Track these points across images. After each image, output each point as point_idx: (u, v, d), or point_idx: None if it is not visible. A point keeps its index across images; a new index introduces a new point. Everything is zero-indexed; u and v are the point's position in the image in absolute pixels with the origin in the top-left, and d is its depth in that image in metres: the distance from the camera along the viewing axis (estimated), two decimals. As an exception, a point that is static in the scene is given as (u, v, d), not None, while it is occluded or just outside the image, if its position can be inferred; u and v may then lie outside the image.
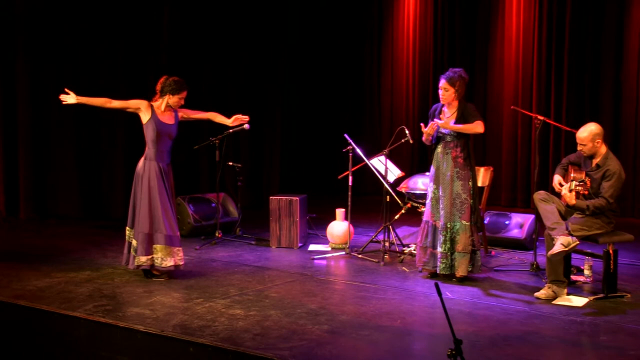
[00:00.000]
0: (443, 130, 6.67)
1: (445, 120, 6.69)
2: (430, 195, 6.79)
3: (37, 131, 9.92)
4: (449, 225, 6.60)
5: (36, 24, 9.74)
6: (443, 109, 6.78)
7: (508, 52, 11.41)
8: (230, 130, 8.39)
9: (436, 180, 6.73)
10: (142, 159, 6.65)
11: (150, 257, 6.53)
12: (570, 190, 6.10)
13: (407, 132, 7.67)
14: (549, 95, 11.06)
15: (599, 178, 6.17)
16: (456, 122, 6.62)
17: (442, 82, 6.64)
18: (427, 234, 6.76)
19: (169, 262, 6.59)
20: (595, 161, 6.26)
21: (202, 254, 7.86)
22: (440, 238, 6.62)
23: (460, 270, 6.59)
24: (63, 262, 7.34)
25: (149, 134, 6.62)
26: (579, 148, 6.31)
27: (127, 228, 6.67)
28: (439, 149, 6.75)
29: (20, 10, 9.67)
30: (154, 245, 6.55)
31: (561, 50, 10.90)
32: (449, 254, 6.61)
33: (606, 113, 10.61)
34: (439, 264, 6.65)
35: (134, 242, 6.55)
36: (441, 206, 6.66)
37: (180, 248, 6.71)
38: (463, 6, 11.91)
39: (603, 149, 6.25)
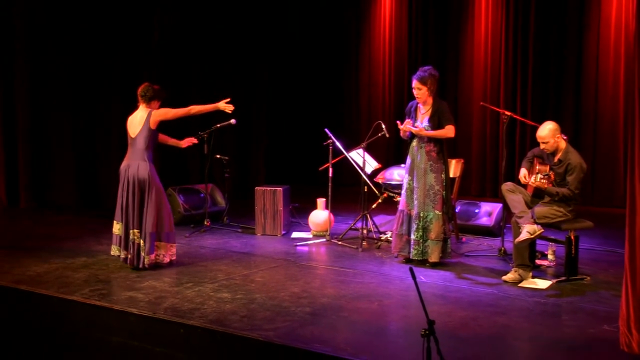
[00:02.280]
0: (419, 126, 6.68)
1: (420, 116, 6.71)
2: (405, 185, 6.80)
3: (36, 124, 9.86)
4: (422, 215, 6.61)
5: (35, 21, 9.66)
6: (418, 105, 6.78)
7: (477, 52, 11.44)
8: (218, 125, 8.38)
9: (411, 172, 6.74)
10: (146, 163, 6.39)
11: (155, 254, 6.48)
12: (536, 182, 6.13)
13: (383, 126, 7.67)
14: (515, 93, 11.11)
15: (562, 172, 6.21)
16: (430, 118, 6.63)
17: (414, 82, 6.63)
18: (402, 222, 6.77)
19: (166, 259, 6.60)
20: (557, 157, 6.29)
21: (191, 241, 7.84)
22: (414, 226, 6.64)
23: (433, 257, 6.61)
24: (61, 249, 7.30)
25: (155, 140, 6.56)
26: (541, 147, 6.32)
27: (134, 230, 6.41)
28: (414, 143, 6.75)
29: (20, 9, 9.59)
30: (157, 243, 6.49)
31: (526, 51, 10.95)
32: (421, 241, 6.62)
33: (568, 109, 10.69)
34: (411, 250, 6.66)
35: (142, 242, 6.40)
36: (415, 196, 6.67)
37: (175, 244, 6.71)
38: (436, 8, 11.91)
39: (563, 144, 6.29)
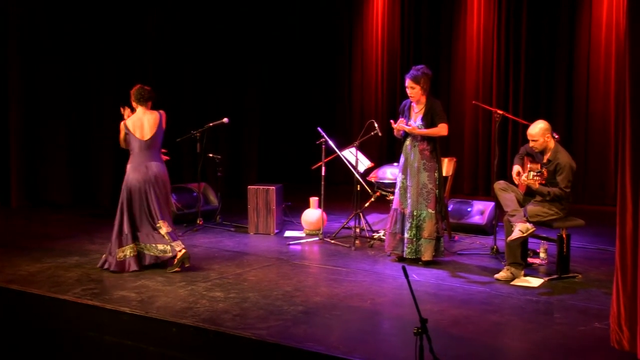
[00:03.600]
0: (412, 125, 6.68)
1: (414, 115, 6.73)
2: (399, 184, 6.81)
3: (29, 122, 9.83)
4: (415, 213, 6.62)
5: (33, 21, 9.65)
6: (412, 104, 6.79)
7: (470, 51, 11.45)
8: (211, 124, 8.37)
9: (404, 171, 6.75)
10: (161, 164, 6.53)
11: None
12: (528, 180, 6.15)
13: (376, 125, 7.68)
14: (507, 91, 11.13)
15: (552, 171, 6.22)
16: (423, 117, 6.64)
17: (408, 82, 6.64)
18: (395, 220, 6.78)
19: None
20: (546, 156, 6.30)
21: (184, 240, 7.71)
22: (407, 225, 6.65)
23: (426, 255, 6.62)
24: (53, 249, 7.27)
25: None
26: (531, 145, 6.35)
27: (160, 222, 6.39)
28: (408, 141, 6.76)
29: (17, 9, 9.57)
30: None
31: (518, 50, 10.97)
32: (414, 239, 6.63)
33: (559, 108, 10.72)
34: (405, 248, 6.67)
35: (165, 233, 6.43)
36: (409, 195, 6.68)
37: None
38: (428, 6, 11.93)
39: (552, 144, 6.30)
